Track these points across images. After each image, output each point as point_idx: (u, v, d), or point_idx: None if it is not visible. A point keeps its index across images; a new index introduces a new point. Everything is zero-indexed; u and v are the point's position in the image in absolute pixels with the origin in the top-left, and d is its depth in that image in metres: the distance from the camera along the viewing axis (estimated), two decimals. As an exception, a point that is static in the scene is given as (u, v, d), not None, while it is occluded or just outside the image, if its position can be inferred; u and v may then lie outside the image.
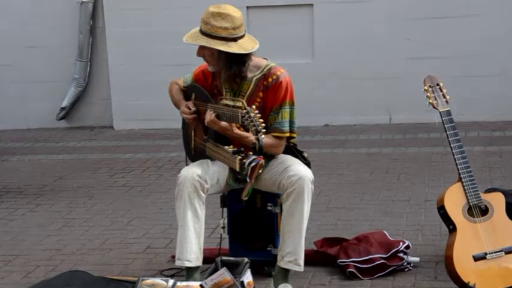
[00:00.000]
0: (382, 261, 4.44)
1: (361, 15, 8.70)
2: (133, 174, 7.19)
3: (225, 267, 3.87)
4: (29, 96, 9.55)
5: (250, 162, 3.92)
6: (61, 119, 9.64)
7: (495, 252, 4.01)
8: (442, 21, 8.55)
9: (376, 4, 8.67)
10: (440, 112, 4.15)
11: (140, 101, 9.24)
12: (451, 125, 4.12)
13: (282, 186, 4.16)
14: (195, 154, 4.53)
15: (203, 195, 4.21)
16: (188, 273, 4.23)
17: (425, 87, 4.20)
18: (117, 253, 5.08)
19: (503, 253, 4.01)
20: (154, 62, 9.11)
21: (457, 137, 4.12)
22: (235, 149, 4.08)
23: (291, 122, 4.27)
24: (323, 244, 4.72)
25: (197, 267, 4.24)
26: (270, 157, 4.26)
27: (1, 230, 5.72)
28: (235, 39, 4.13)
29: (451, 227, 4.08)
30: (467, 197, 4.06)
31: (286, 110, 4.23)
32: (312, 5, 8.84)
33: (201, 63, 4.47)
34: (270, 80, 4.23)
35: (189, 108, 4.41)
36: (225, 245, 4.59)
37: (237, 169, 4.01)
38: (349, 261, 4.44)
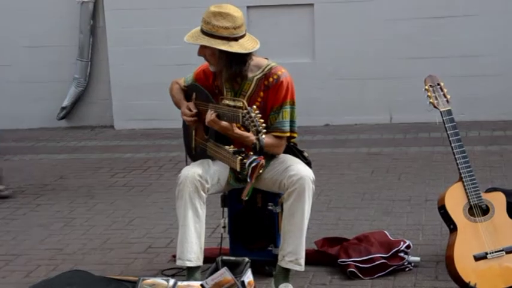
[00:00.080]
0: (383, 261, 4.44)
1: (361, 15, 8.70)
2: (134, 174, 7.19)
3: (225, 267, 3.88)
4: (30, 96, 9.55)
5: (250, 163, 3.93)
6: (62, 118, 9.64)
7: (496, 251, 4.01)
8: (443, 21, 8.55)
9: (377, 4, 8.67)
10: (441, 112, 4.15)
11: (141, 100, 9.24)
12: (451, 124, 4.12)
13: (283, 185, 4.16)
14: (195, 154, 4.54)
15: (204, 194, 4.21)
16: (189, 272, 4.23)
17: (426, 87, 4.20)
18: (118, 253, 5.09)
19: (504, 253, 4.01)
20: (155, 62, 9.11)
21: (458, 137, 4.12)
22: (236, 149, 4.08)
23: (292, 122, 4.27)
24: (324, 244, 4.72)
25: (198, 267, 4.24)
26: (270, 157, 4.26)
27: (2, 229, 5.72)
28: (236, 39, 4.13)
29: (452, 227, 4.08)
30: (468, 196, 4.06)
31: (286, 110, 4.24)
32: (312, 4, 8.84)
33: (201, 63, 4.48)
34: (271, 79, 4.23)
35: (190, 110, 4.42)
36: (226, 244, 4.60)
37: (238, 169, 4.01)
38: (350, 261, 4.44)
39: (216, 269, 3.95)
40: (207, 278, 3.90)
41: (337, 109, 8.84)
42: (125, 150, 8.22)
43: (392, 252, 4.49)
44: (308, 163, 4.33)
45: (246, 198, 4.05)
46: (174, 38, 8.62)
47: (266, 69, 4.26)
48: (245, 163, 3.95)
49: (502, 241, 4.03)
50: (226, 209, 4.58)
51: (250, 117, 3.85)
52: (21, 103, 9.56)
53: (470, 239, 4.02)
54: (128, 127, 9.30)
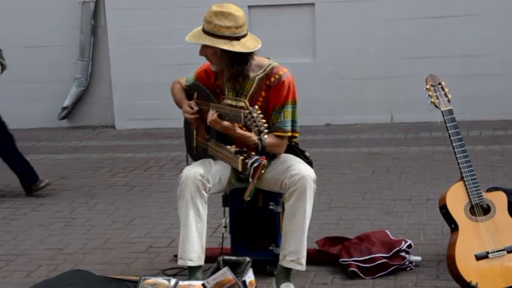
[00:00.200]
0: (384, 260, 4.44)
1: (362, 15, 8.70)
2: (135, 174, 7.19)
3: (227, 267, 3.87)
4: (31, 96, 9.55)
5: (252, 163, 3.93)
6: (63, 118, 9.64)
7: (497, 251, 4.00)
8: (444, 21, 8.55)
9: (378, 3, 8.67)
10: (442, 111, 4.15)
11: (142, 100, 9.24)
12: (452, 124, 4.12)
13: (284, 185, 4.16)
14: (196, 153, 4.54)
15: (205, 194, 4.21)
16: (190, 272, 4.23)
17: (427, 86, 4.20)
18: (119, 252, 5.09)
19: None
20: (156, 62, 9.11)
21: (459, 136, 4.12)
22: (238, 149, 4.09)
23: (293, 122, 4.27)
24: (325, 243, 4.72)
25: (199, 267, 4.24)
26: (272, 156, 4.25)
27: (3, 229, 5.72)
28: (238, 38, 4.13)
29: (453, 226, 4.08)
30: (469, 196, 4.06)
31: (288, 110, 4.23)
32: (313, 4, 8.84)
33: (203, 63, 4.48)
34: (273, 79, 4.23)
35: (192, 108, 4.42)
36: (227, 244, 4.60)
37: (240, 169, 4.01)
38: (351, 261, 4.44)
39: (217, 269, 3.95)
40: (208, 277, 3.90)
41: (338, 109, 8.85)
42: (126, 150, 8.22)
43: (393, 251, 4.49)
44: (309, 163, 4.33)
45: (248, 198, 4.05)
46: (175, 37, 8.62)
47: (268, 69, 4.26)
48: (247, 163, 3.95)
49: (503, 240, 4.03)
50: (227, 209, 4.58)
51: (252, 117, 3.85)
52: (22, 103, 9.56)
53: (471, 239, 4.01)
54: (129, 127, 9.31)
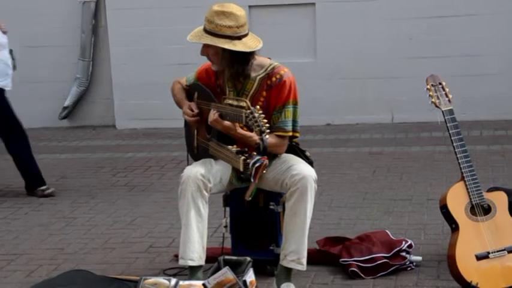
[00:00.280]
0: (385, 260, 4.44)
1: (363, 15, 8.70)
2: (135, 174, 7.20)
3: (227, 267, 3.87)
4: (32, 96, 9.55)
5: (254, 163, 3.92)
6: (63, 118, 9.65)
7: (498, 251, 4.00)
8: (444, 21, 8.55)
9: (378, 3, 8.68)
10: (442, 111, 4.15)
11: (142, 100, 9.25)
12: (453, 124, 4.12)
13: (285, 185, 4.16)
14: (197, 153, 4.54)
15: (206, 194, 4.21)
16: (191, 272, 4.23)
17: (428, 86, 4.20)
18: (120, 252, 5.09)
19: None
20: (157, 62, 9.12)
21: (460, 136, 4.12)
22: (239, 149, 4.08)
23: (294, 122, 4.27)
24: (325, 243, 4.72)
25: (200, 266, 4.24)
26: (273, 156, 4.25)
27: (4, 229, 5.72)
28: (239, 38, 4.13)
29: (454, 226, 4.07)
30: (469, 196, 4.06)
31: (289, 110, 4.23)
32: (314, 4, 8.84)
33: (203, 63, 4.48)
34: (274, 79, 4.23)
35: (192, 110, 4.42)
36: (228, 244, 4.59)
37: (241, 169, 4.00)
38: (352, 261, 4.44)
39: (218, 269, 3.95)
40: (208, 277, 3.90)
41: (338, 108, 8.85)
42: (127, 150, 8.22)
43: (394, 251, 4.48)
44: (310, 163, 4.33)
45: (250, 198, 4.05)
46: (176, 37, 8.62)
47: (269, 69, 4.26)
48: (248, 163, 3.95)
49: (503, 240, 4.03)
50: (228, 209, 4.58)
51: (254, 117, 3.84)
52: (23, 103, 9.48)
53: (472, 239, 4.01)
54: (129, 127, 9.31)
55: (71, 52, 9.47)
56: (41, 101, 9.56)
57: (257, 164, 3.92)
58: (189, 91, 4.54)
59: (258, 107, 3.90)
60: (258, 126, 3.83)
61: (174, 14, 8.99)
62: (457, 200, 4.07)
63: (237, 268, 3.97)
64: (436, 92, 4.18)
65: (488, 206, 4.08)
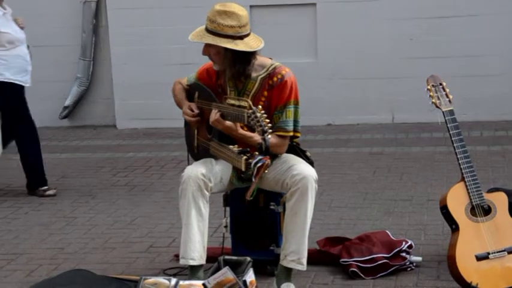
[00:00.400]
0: (385, 260, 4.43)
1: (364, 15, 8.70)
2: (136, 173, 7.20)
3: (227, 266, 3.87)
4: (32, 95, 9.46)
5: (256, 163, 3.92)
6: (64, 118, 9.65)
7: (498, 252, 4.00)
8: (445, 21, 8.55)
9: (379, 3, 8.68)
10: (443, 112, 4.15)
11: (143, 100, 9.25)
12: (453, 124, 4.12)
13: (286, 185, 4.16)
14: (197, 153, 4.54)
15: (207, 193, 4.21)
16: (192, 271, 4.23)
17: (428, 87, 4.20)
18: (120, 252, 5.09)
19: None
20: (157, 62, 9.12)
21: (460, 137, 4.12)
22: (241, 148, 4.08)
23: (295, 122, 4.27)
24: (326, 243, 4.72)
25: (201, 266, 4.24)
26: (273, 156, 4.25)
27: (4, 228, 5.72)
28: (241, 38, 4.13)
29: (454, 227, 4.07)
30: (470, 196, 4.06)
31: (290, 110, 4.23)
32: (315, 4, 8.84)
33: (204, 63, 4.47)
34: (275, 79, 4.23)
35: (192, 110, 4.41)
36: (228, 244, 4.59)
37: (243, 169, 4.00)
38: (352, 261, 4.44)
39: (218, 269, 3.95)
40: (208, 277, 3.90)
41: (339, 109, 8.85)
42: (127, 150, 8.22)
43: (394, 252, 4.48)
44: (311, 163, 4.33)
45: (251, 198, 4.05)
46: (177, 37, 8.63)
47: (270, 69, 4.26)
48: (250, 163, 3.94)
49: (503, 241, 4.03)
50: (228, 209, 4.58)
51: (256, 117, 3.84)
52: (23, 102, 9.55)
53: (472, 239, 4.01)
54: (130, 126, 9.31)
55: (72, 52, 9.47)
56: (41, 100, 9.53)
57: (259, 164, 3.92)
58: (190, 91, 4.53)
59: (260, 106, 3.90)
60: (260, 126, 3.83)
61: (175, 13, 8.99)
62: (457, 200, 4.07)
63: (237, 268, 3.97)
64: (436, 93, 4.18)
65: (489, 206, 4.08)
